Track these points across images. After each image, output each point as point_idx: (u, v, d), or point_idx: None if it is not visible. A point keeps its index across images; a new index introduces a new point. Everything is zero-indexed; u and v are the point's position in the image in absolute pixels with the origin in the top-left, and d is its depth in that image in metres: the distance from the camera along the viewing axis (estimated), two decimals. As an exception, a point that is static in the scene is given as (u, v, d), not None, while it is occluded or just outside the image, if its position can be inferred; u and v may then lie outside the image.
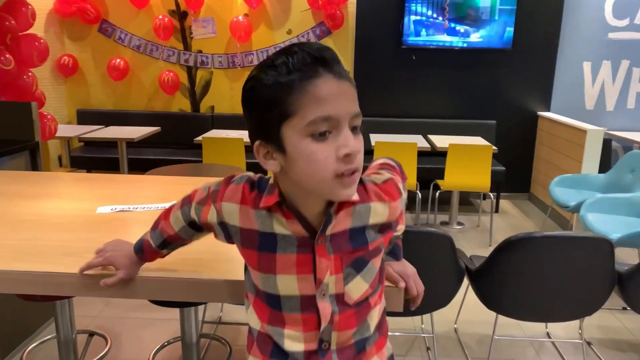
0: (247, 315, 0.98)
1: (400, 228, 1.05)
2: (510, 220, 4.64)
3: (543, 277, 2.10)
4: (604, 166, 4.26)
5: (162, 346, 2.37)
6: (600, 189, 3.90)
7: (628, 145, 5.09)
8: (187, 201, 1.04)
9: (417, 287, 1.07)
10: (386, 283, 1.07)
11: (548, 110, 5.11)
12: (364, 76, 5.07)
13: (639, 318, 2.81)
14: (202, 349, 2.29)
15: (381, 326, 0.99)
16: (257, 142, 0.84)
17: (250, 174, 0.94)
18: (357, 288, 0.90)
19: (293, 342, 0.90)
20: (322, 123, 0.76)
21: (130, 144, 4.40)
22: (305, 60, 0.77)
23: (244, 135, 4.36)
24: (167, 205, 1.10)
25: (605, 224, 3.18)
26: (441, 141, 4.31)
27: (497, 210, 4.77)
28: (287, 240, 0.87)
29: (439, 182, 4.15)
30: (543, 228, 4.37)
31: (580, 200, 3.59)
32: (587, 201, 3.41)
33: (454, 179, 3.95)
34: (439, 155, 4.25)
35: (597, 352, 2.52)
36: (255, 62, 5.10)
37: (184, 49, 5.09)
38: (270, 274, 0.88)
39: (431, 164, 4.48)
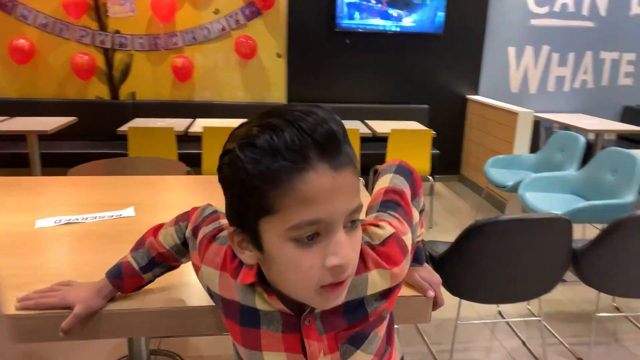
0: None
1: (422, 233, 0.94)
2: (446, 202, 4.71)
3: (508, 259, 2.08)
4: (534, 146, 4.43)
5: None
6: (532, 169, 4.04)
7: (549, 126, 5.35)
8: (183, 218, 0.92)
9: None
10: (412, 292, 0.95)
11: (476, 93, 5.23)
12: (297, 59, 4.92)
13: (578, 289, 2.92)
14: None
15: None
16: (231, 228, 0.68)
17: None
18: None
19: None
20: (308, 227, 0.61)
21: (42, 137, 3.92)
22: (294, 145, 0.59)
23: (173, 123, 4.05)
24: (123, 212, 0.92)
25: (544, 202, 3.27)
26: (380, 126, 4.26)
27: (430, 193, 4.83)
28: (271, 317, 0.73)
29: (380, 167, 4.09)
30: (480, 209, 4.47)
31: (517, 180, 3.68)
32: (524, 181, 3.50)
33: (396, 163, 3.91)
34: (379, 140, 4.20)
35: (548, 326, 2.57)
36: (180, 44, 4.77)
37: (99, 28, 4.63)
38: (255, 351, 0.75)
39: (371, 150, 4.42)
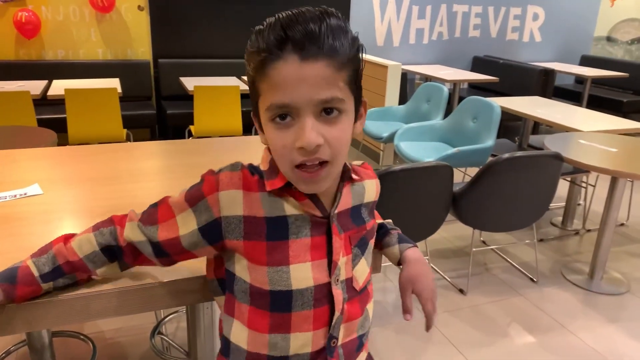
0: (231, 336, 0.81)
1: (388, 222, 1.04)
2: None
3: (399, 206, 2.24)
4: (401, 98, 4.71)
5: (1, 358, 1.87)
6: (403, 119, 4.31)
7: (412, 77, 5.70)
8: (105, 224, 0.83)
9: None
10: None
11: (346, 47, 5.35)
12: (161, 11, 4.59)
13: (450, 228, 3.25)
14: (56, 351, 1.87)
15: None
16: (252, 111, 0.78)
17: (240, 162, 0.81)
18: (362, 271, 0.85)
19: (300, 345, 0.78)
20: (277, 109, 0.70)
21: None
22: (275, 37, 0.69)
23: (24, 86, 3.59)
24: (28, 190, 0.94)
25: (417, 150, 3.54)
26: (257, 82, 4.20)
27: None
28: (300, 223, 0.78)
29: (261, 124, 4.06)
30: (357, 160, 4.68)
31: (391, 132, 3.92)
32: (398, 132, 3.74)
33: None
34: (257, 96, 4.15)
35: (431, 264, 2.85)
36: (22, -5, 4.17)
37: None
38: (282, 267, 0.76)
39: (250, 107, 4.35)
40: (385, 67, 4.43)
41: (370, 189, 0.88)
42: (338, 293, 0.80)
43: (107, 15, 4.49)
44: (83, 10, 4.41)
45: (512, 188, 2.49)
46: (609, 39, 6.77)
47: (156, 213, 0.80)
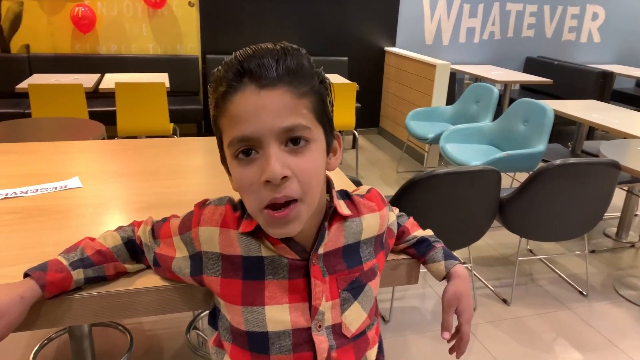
0: None
1: (428, 232, 1.00)
2: (368, 155, 4.79)
3: (443, 210, 2.16)
4: (449, 98, 4.59)
5: (43, 344, 1.93)
6: (450, 120, 4.20)
7: (461, 77, 5.56)
8: (128, 226, 0.88)
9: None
10: (402, 256, 0.95)
11: (394, 45, 5.28)
12: (211, 8, 4.64)
13: (495, 235, 3.14)
14: (95, 341, 1.91)
15: None
16: (220, 156, 0.76)
17: (230, 196, 0.80)
18: (355, 317, 0.79)
19: None
20: (239, 144, 0.67)
21: None
22: (232, 71, 0.67)
23: (78, 79, 3.70)
24: (69, 183, 0.95)
25: (464, 153, 3.43)
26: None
27: (354, 147, 4.89)
28: (277, 264, 0.75)
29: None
30: (400, 161, 4.61)
31: (437, 133, 3.82)
32: (444, 133, 3.64)
33: (321, 118, 3.88)
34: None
35: (474, 272, 2.75)
36: (79, -9, 4.31)
37: (-21, -29, 4.06)
38: (257, 307, 0.74)
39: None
40: (433, 66, 4.33)
41: (371, 223, 0.82)
42: (321, 340, 0.75)
43: (158, 11, 4.58)
44: (136, 5, 4.51)
45: (563, 196, 2.36)
46: (675, 40, 6.37)
47: (160, 229, 0.83)
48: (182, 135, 4.34)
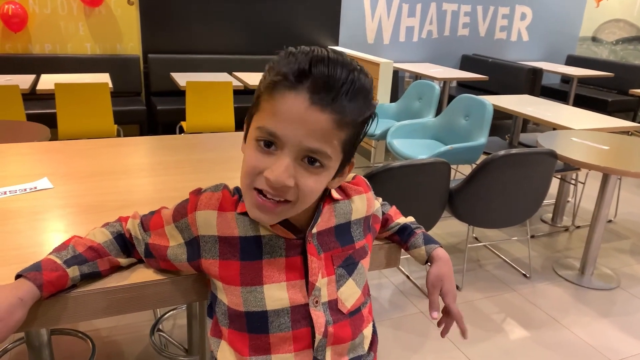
0: (218, 355, 0.82)
1: (410, 219, 1.05)
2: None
3: (396, 203, 2.25)
4: (392, 95, 4.72)
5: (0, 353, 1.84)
6: (394, 117, 4.33)
7: (402, 75, 5.73)
8: (115, 222, 0.88)
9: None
10: (384, 242, 1.00)
11: (337, 44, 5.36)
12: (151, 6, 4.54)
13: (442, 225, 3.28)
14: (55, 350, 1.84)
15: (374, 345, 0.91)
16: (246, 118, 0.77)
17: (225, 183, 0.83)
18: (350, 293, 0.83)
19: None
20: (265, 134, 0.69)
21: None
22: (298, 67, 0.67)
23: (12, 80, 3.52)
24: (38, 184, 0.94)
25: (410, 147, 3.56)
26: (250, 78, 4.18)
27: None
28: (274, 243, 0.78)
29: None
30: (347, 157, 4.69)
31: (383, 129, 3.93)
32: (390, 129, 3.75)
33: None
34: (250, 93, 4.13)
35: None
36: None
37: None
38: (255, 287, 0.77)
39: (244, 103, 4.32)
40: (377, 64, 4.45)
41: (359, 205, 0.86)
42: (318, 315, 0.78)
43: (95, 9, 4.42)
44: (71, 4, 4.34)
45: (508, 185, 2.52)
46: (594, 39, 6.87)
47: (150, 221, 0.85)
48: (126, 136, 4.22)
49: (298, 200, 0.70)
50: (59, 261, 0.77)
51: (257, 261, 0.77)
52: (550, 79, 6.44)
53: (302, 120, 0.66)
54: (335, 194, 0.83)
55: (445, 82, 5.11)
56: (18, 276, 0.75)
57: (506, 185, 2.52)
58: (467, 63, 6.06)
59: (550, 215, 3.52)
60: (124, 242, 0.86)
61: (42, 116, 3.66)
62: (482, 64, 5.80)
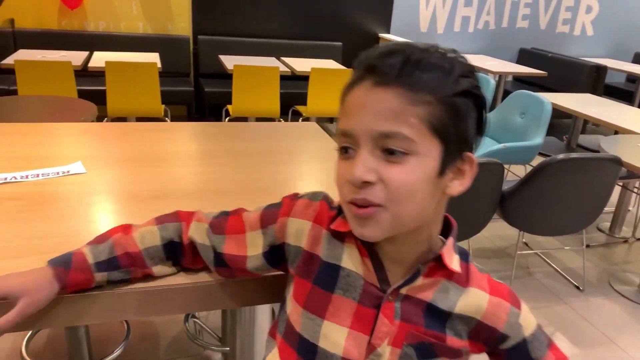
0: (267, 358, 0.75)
1: None
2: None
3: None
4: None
5: (36, 331, 1.85)
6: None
7: (455, 67, 5.50)
8: (170, 219, 0.79)
9: None
10: None
11: (388, 32, 5.20)
12: (204, -11, 4.52)
13: (491, 226, 3.12)
14: (90, 328, 1.84)
15: None
16: None
17: (325, 192, 0.75)
18: None
19: None
20: (341, 137, 0.63)
21: None
22: (365, 63, 0.62)
23: (66, 56, 3.57)
24: (71, 168, 0.89)
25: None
26: (297, 64, 4.10)
27: (348, 134, 4.83)
28: (351, 281, 0.67)
29: (300, 108, 3.98)
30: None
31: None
32: (441, 123, 3.60)
33: (317, 105, 3.81)
34: (297, 79, 4.06)
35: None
36: (67, -36, 4.14)
37: (-39, -61, 3.87)
38: (316, 317, 0.68)
39: (290, 89, 4.26)
40: (429, 55, 4.27)
41: (476, 302, 0.68)
42: None
43: (149, -11, 4.43)
44: (126, -18, 4.36)
45: (565, 191, 2.35)
46: (666, 36, 6.41)
47: (226, 222, 0.77)
48: (173, 117, 4.23)
49: (389, 201, 0.59)
50: (90, 260, 0.73)
51: (328, 293, 0.68)
52: (615, 77, 6.06)
53: (364, 106, 0.60)
54: (454, 266, 0.66)
55: (500, 76, 4.88)
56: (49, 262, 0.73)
57: (563, 192, 2.35)
58: (525, 57, 5.77)
59: (608, 224, 3.30)
60: (173, 250, 0.79)
61: (93, 93, 3.70)
62: (541, 58, 5.50)
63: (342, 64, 4.81)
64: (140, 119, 3.62)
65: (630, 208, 3.43)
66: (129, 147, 1.36)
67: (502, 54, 5.68)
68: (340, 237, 0.69)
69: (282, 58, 4.40)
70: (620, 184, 3.12)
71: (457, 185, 0.65)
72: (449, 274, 0.67)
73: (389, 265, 0.67)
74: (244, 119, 3.78)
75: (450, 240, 0.68)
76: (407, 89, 0.58)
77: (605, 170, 2.37)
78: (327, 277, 0.68)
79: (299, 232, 0.71)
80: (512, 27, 5.72)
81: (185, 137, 1.52)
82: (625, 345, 2.20)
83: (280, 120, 3.85)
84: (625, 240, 3.20)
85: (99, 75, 3.45)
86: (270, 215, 0.74)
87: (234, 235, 0.75)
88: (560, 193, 2.36)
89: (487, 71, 4.65)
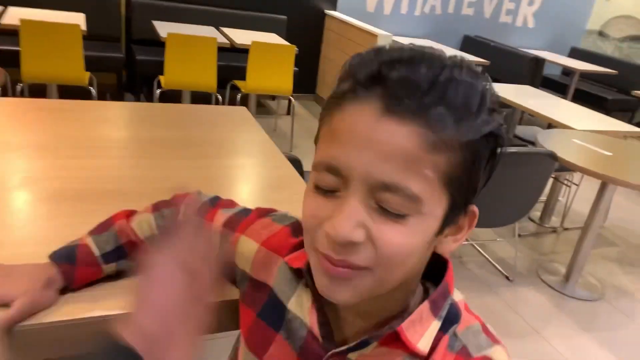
0: None
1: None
2: (305, 123, 4.61)
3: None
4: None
5: None
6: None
7: (399, 50, 5.45)
8: (165, 205, 0.75)
9: None
10: None
11: (334, 9, 5.05)
12: (139, -53, 4.17)
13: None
14: None
15: None
16: None
17: (298, 219, 0.65)
18: None
19: None
20: (323, 173, 0.46)
21: None
22: (367, 69, 0.45)
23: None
24: None
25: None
26: (238, 36, 3.89)
27: (290, 113, 4.68)
28: (294, 328, 0.57)
29: (239, 83, 3.78)
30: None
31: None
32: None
33: (256, 81, 3.63)
34: (237, 51, 3.85)
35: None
36: None
37: None
38: (255, 356, 0.60)
39: (228, 62, 4.03)
40: (375, 35, 4.18)
41: None
42: None
43: (77, -58, 4.04)
44: None
45: (501, 184, 2.33)
46: (600, 33, 6.65)
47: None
48: (100, 85, 3.92)
49: (377, 265, 0.46)
50: (96, 253, 0.71)
51: (272, 331, 0.58)
52: (552, 69, 6.22)
53: (371, 139, 0.43)
54: (421, 346, 0.50)
55: (444, 62, 4.86)
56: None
57: (499, 184, 2.33)
58: (468, 44, 5.81)
59: (539, 213, 3.37)
60: None
61: (5, 53, 3.34)
62: (484, 47, 5.55)
63: (286, 39, 4.63)
64: (62, 87, 3.31)
65: (560, 198, 3.52)
66: (51, 131, 1.16)
67: (447, 40, 5.67)
68: (295, 272, 0.59)
69: (222, 28, 4.16)
70: (553, 176, 3.18)
71: (451, 242, 0.52)
72: (413, 353, 0.50)
73: (349, 317, 0.54)
74: (177, 92, 3.55)
75: (425, 306, 0.51)
76: (427, 129, 0.43)
77: (540, 164, 2.38)
78: (273, 313, 0.59)
79: (245, 253, 0.65)
80: (457, 13, 5.72)
81: (116, 119, 1.33)
82: (550, 336, 2.24)
83: (217, 95, 3.65)
84: (554, 230, 3.28)
85: (12, 34, 3.11)
86: (234, 222, 0.68)
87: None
88: (495, 186, 2.33)
89: (431, 56, 4.62)
